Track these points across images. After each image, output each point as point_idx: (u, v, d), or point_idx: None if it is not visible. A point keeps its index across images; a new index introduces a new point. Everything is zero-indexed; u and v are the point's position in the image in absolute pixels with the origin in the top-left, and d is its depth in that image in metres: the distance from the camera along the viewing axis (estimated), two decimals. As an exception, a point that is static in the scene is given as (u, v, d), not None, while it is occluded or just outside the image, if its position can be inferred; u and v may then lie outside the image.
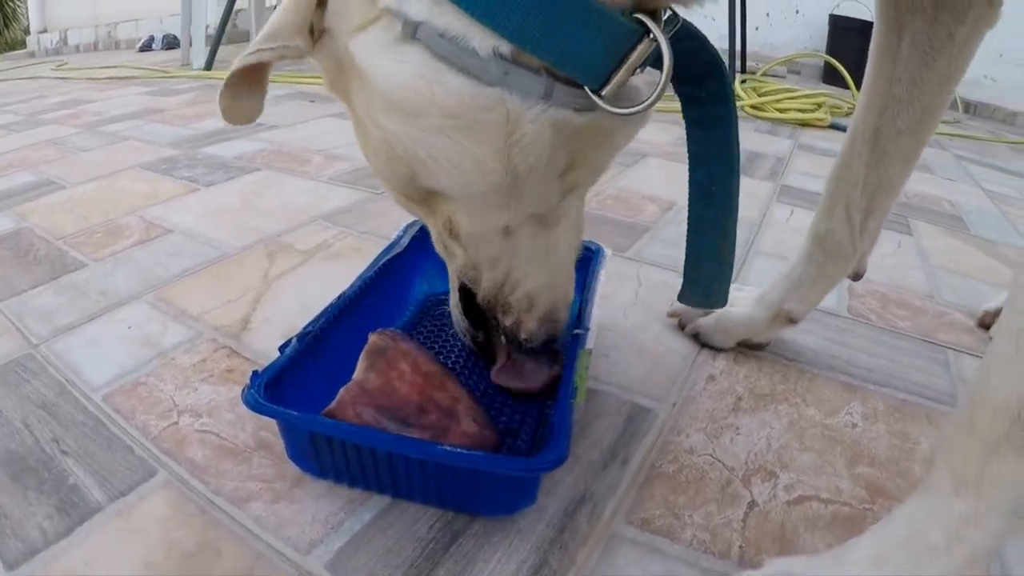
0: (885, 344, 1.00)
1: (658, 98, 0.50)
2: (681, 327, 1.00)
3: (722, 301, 0.74)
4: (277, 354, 0.70)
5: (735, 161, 0.65)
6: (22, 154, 1.81)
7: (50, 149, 1.85)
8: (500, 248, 0.63)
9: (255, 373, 0.65)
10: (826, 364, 0.94)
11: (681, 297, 0.75)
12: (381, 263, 0.89)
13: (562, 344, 0.74)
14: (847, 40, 3.75)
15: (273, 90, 2.55)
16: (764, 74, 3.50)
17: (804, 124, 2.56)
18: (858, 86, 3.01)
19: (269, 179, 1.62)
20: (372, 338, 0.69)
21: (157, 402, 0.80)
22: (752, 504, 0.69)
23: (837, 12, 3.93)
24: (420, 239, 0.95)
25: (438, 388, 0.67)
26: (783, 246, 1.35)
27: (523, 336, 0.71)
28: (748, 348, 0.96)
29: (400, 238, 0.95)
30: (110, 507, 0.65)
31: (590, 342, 0.74)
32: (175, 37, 4.24)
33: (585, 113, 0.51)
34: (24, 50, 5.96)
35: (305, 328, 0.74)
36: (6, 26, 7.69)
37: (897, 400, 0.86)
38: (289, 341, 0.71)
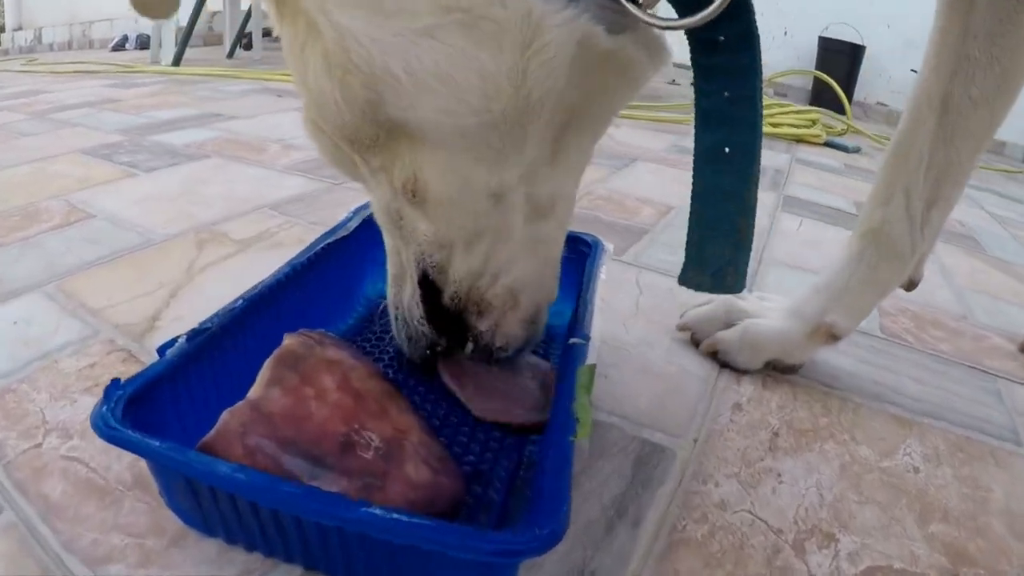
0: (929, 369, 0.87)
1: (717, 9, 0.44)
2: (696, 343, 0.83)
3: (738, 287, 0.60)
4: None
5: (758, 120, 0.53)
6: (-40, 139, 1.68)
7: (-10, 135, 1.73)
8: (484, 221, 0.49)
9: (114, 383, 0.46)
10: (869, 392, 0.79)
11: (683, 278, 0.62)
12: (318, 248, 0.70)
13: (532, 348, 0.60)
14: (836, 63, 3.74)
15: (239, 85, 2.47)
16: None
17: (799, 140, 2.49)
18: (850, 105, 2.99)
19: (217, 167, 1.48)
20: (287, 341, 0.50)
21: (24, 416, 0.63)
22: (810, 581, 0.52)
23: (826, 35, 3.91)
24: (374, 223, 0.75)
25: (375, 415, 0.47)
26: (798, 257, 1.22)
27: (499, 343, 0.56)
28: (777, 371, 0.80)
29: (348, 220, 0.76)
30: (-68, 556, 0.48)
31: (592, 356, 0.55)
32: (149, 37, 4.22)
33: (615, 36, 0.43)
34: (-2, 48, 5.94)
35: (202, 324, 0.54)
36: None
37: (957, 437, 0.73)
38: (173, 340, 0.52)
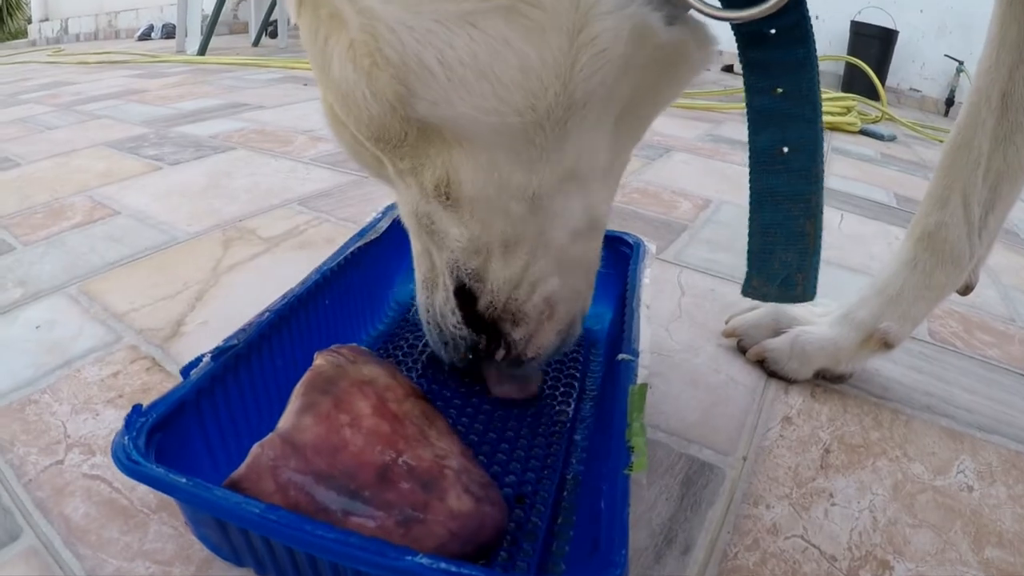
0: (979, 377, 0.82)
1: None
2: (742, 350, 0.79)
3: (810, 294, 0.56)
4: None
5: (817, 116, 0.49)
6: (-14, 133, 1.68)
7: (17, 127, 1.73)
8: (522, 226, 0.45)
9: (136, 410, 0.43)
10: (921, 403, 0.75)
11: (746, 288, 0.57)
12: (347, 252, 0.67)
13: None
14: (868, 48, 3.67)
15: (265, 74, 2.45)
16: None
17: (833, 128, 2.42)
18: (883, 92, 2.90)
19: (243, 159, 1.46)
20: (317, 360, 0.47)
21: (45, 430, 0.61)
22: (867, 614, 0.48)
23: (858, 19, 3.83)
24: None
25: (414, 440, 0.44)
26: (843, 254, 1.17)
27: (531, 353, 0.53)
28: (827, 380, 0.76)
29: (377, 221, 0.73)
30: (-46, 580, 0.47)
31: (642, 374, 0.52)
32: (174, 26, 4.23)
33: (672, 27, 0.39)
34: (25, 39, 5.98)
35: (227, 341, 0.51)
36: (10, 15, 7.76)
37: (1010, 452, 0.69)
38: (199, 359, 0.49)
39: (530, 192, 0.43)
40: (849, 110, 2.53)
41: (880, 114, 2.70)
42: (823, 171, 0.51)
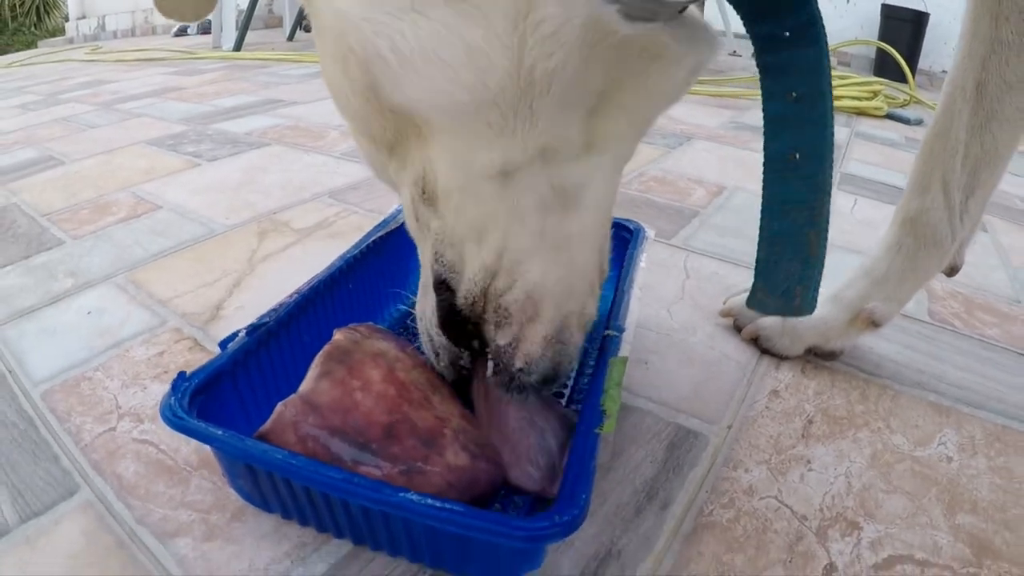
0: (975, 356, 0.84)
1: None
2: (738, 329, 0.84)
3: (808, 308, 0.57)
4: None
5: (828, 122, 0.49)
6: (30, 131, 1.76)
7: (59, 126, 1.81)
8: (492, 206, 0.44)
9: (181, 376, 0.50)
10: (911, 380, 0.78)
11: (752, 301, 0.60)
12: (369, 241, 0.73)
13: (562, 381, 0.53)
14: (899, 31, 3.59)
15: (300, 69, 2.50)
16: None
17: (860, 112, 2.39)
18: (913, 76, 2.87)
19: (277, 154, 1.52)
20: (336, 336, 0.53)
21: (98, 402, 0.68)
22: (830, 568, 0.53)
23: (889, 2, 3.75)
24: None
25: (418, 404, 0.50)
26: (850, 237, 1.19)
27: (519, 364, 0.49)
28: (818, 357, 0.80)
29: (398, 212, 0.79)
30: (19, 530, 0.54)
31: (625, 348, 0.57)
32: (210, 21, 4.29)
33: (634, 21, 0.38)
34: (63, 36, 6.05)
35: (260, 319, 0.58)
36: (47, 13, 7.87)
37: (996, 427, 0.71)
38: (234, 334, 0.56)
39: (495, 167, 0.42)
40: (876, 94, 2.51)
41: (908, 98, 2.68)
42: (831, 180, 0.51)
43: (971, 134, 0.67)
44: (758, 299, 0.59)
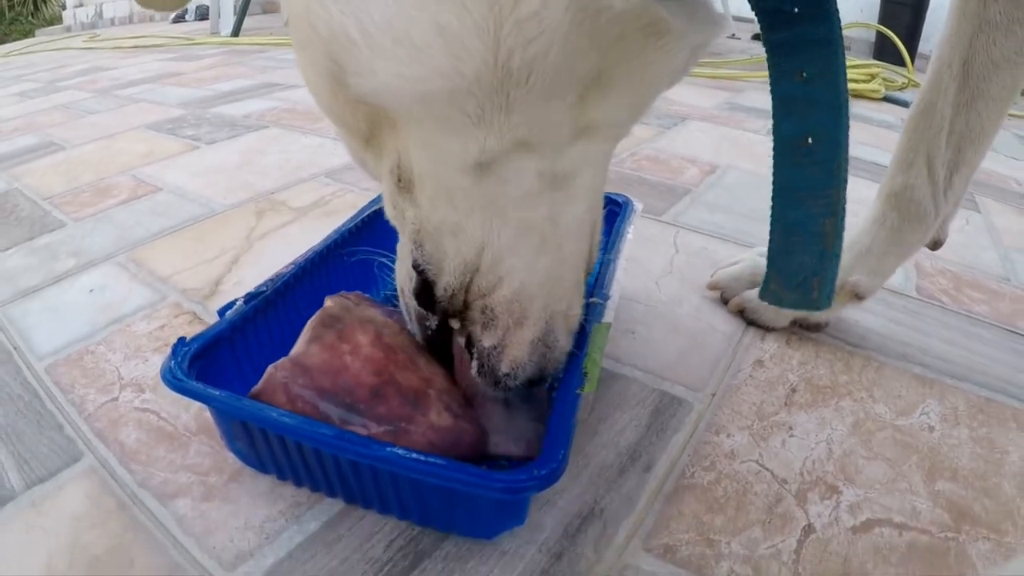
0: (961, 331, 0.85)
1: None
2: (724, 301, 0.85)
3: (825, 302, 0.54)
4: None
5: (842, 103, 0.47)
6: (30, 118, 1.78)
7: (59, 113, 1.82)
8: (469, 198, 0.41)
9: (180, 341, 0.52)
10: (896, 352, 0.79)
11: (765, 294, 0.57)
12: (364, 215, 0.75)
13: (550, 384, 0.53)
14: (899, 16, 3.56)
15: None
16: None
17: (856, 95, 2.38)
18: (913, 60, 2.86)
19: (275, 137, 1.53)
20: (327, 303, 0.55)
21: (101, 374, 0.70)
22: (808, 529, 0.54)
23: (889, -14, 3.74)
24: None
25: (404, 367, 0.52)
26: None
27: (506, 368, 0.47)
28: (804, 329, 0.81)
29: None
30: (24, 496, 0.56)
31: (609, 314, 0.58)
32: (208, 8, 4.28)
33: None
34: (60, 25, 6.03)
35: (258, 287, 0.60)
36: (44, 2, 7.82)
37: (979, 398, 0.72)
38: (232, 303, 0.58)
39: (471, 159, 0.40)
40: (873, 77, 2.52)
41: (906, 81, 2.68)
42: (847, 164, 0.49)
43: (956, 111, 0.68)
44: (772, 291, 0.56)
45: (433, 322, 0.50)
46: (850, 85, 1.82)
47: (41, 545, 0.51)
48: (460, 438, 0.49)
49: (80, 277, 0.90)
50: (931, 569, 0.51)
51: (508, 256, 0.43)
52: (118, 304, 0.83)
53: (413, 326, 0.54)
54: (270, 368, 0.49)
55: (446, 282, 0.45)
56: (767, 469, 0.60)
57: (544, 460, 0.43)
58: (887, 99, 2.40)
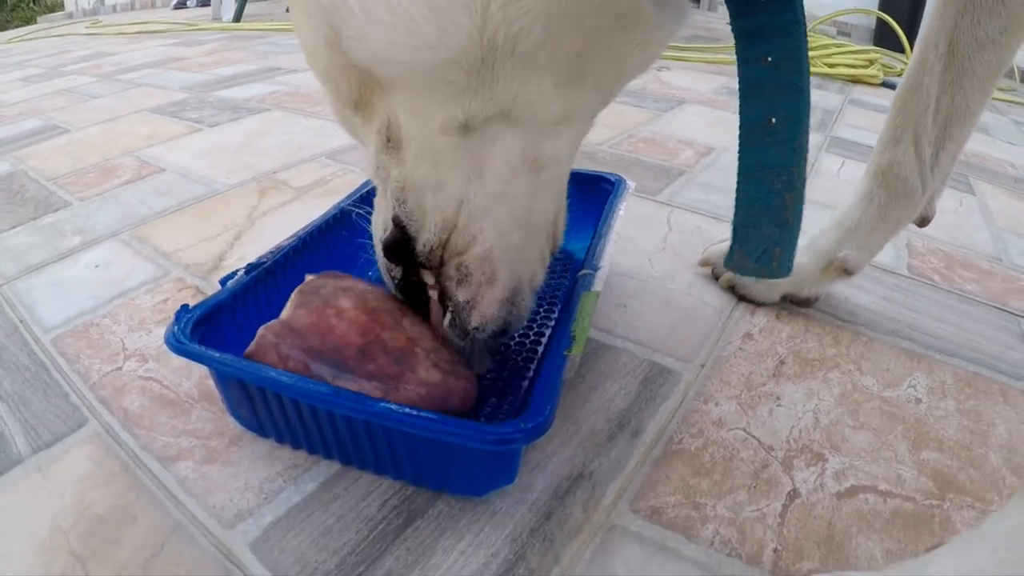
0: (952, 308, 0.87)
1: None
2: (715, 277, 0.87)
3: (784, 270, 0.57)
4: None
5: (804, 86, 0.49)
6: (34, 103, 1.78)
7: (63, 97, 1.83)
8: (452, 159, 0.45)
9: (184, 308, 0.54)
10: (885, 327, 0.80)
11: (729, 261, 0.61)
12: (363, 192, 0.76)
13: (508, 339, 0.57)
14: (898, 2, 3.55)
15: (297, 38, 2.50)
16: (812, 31, 3.32)
17: (855, 80, 2.39)
18: (912, 46, 2.85)
19: (276, 119, 1.54)
20: (307, 278, 0.57)
21: (106, 345, 0.72)
22: (793, 494, 0.56)
23: (890, -29, 3.72)
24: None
25: (389, 327, 0.53)
26: (833, 195, 1.21)
27: (475, 322, 0.51)
28: (793, 304, 0.82)
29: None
30: (31, 460, 0.58)
31: (599, 283, 0.60)
32: None
33: None
34: (62, 12, 6.00)
35: (259, 259, 0.62)
36: None
37: (967, 373, 0.73)
38: (234, 273, 0.60)
39: (456, 124, 0.42)
40: (872, 62, 2.52)
41: (905, 67, 2.68)
42: (807, 143, 0.51)
43: (942, 89, 0.69)
44: (736, 261, 0.60)
45: (398, 273, 0.53)
46: (848, 71, 1.85)
47: (47, 506, 0.53)
48: (450, 393, 0.51)
49: (85, 254, 0.92)
50: (915, 534, 0.52)
51: (483, 216, 0.46)
52: (122, 279, 0.85)
53: (386, 279, 0.56)
54: (261, 330, 0.50)
55: (426, 238, 0.48)
56: (754, 437, 0.61)
57: (532, 414, 0.45)
58: (885, 84, 2.40)
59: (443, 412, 0.47)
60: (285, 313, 0.53)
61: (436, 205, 0.47)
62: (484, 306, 0.50)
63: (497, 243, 0.48)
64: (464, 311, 0.51)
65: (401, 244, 0.50)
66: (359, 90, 0.45)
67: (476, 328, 0.51)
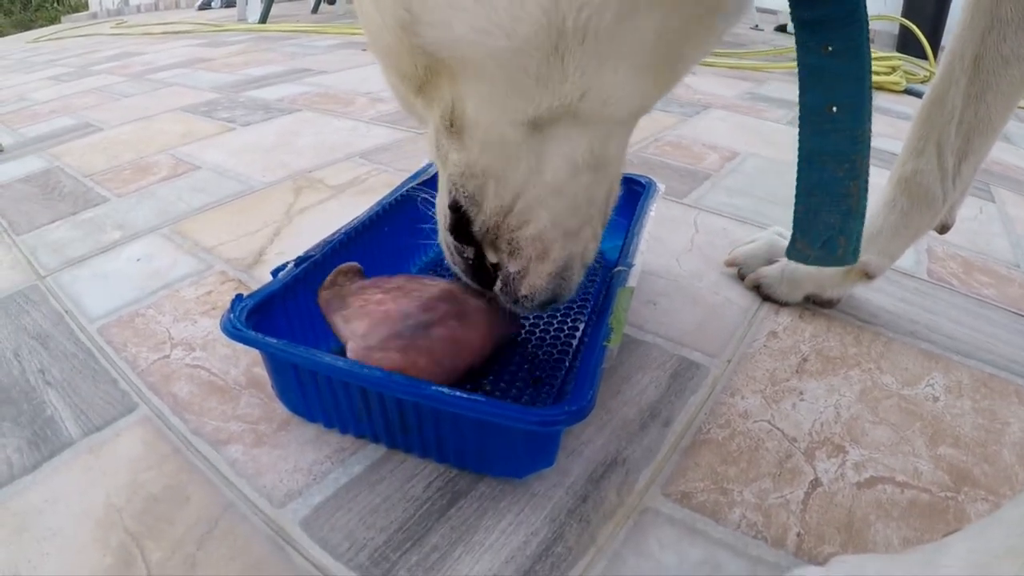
0: (969, 312, 0.88)
1: None
2: (741, 277, 0.89)
3: (851, 258, 0.58)
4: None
5: (865, 75, 0.50)
6: (66, 101, 1.82)
7: (94, 96, 1.87)
8: (517, 152, 0.45)
9: (238, 297, 0.57)
10: (904, 329, 0.82)
11: (791, 252, 0.61)
12: (404, 189, 0.79)
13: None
14: (923, 5, 3.53)
15: (325, 40, 2.53)
16: (838, 37, 3.32)
17: (877, 87, 2.39)
18: (935, 53, 2.85)
19: (308, 119, 1.57)
20: (319, 300, 0.61)
21: (152, 335, 0.75)
22: (815, 483, 0.58)
23: (913, -23, 3.71)
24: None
25: (417, 286, 0.59)
26: None
27: (524, 291, 0.53)
28: (816, 304, 0.84)
29: (429, 165, 0.85)
30: (82, 442, 0.60)
31: (633, 280, 0.63)
32: None
33: None
34: (86, 12, 6.05)
35: (308, 252, 0.65)
36: None
37: (984, 374, 0.74)
38: (284, 265, 0.63)
39: (525, 118, 0.43)
40: (894, 69, 2.52)
41: (928, 74, 2.67)
42: (870, 131, 0.52)
43: (966, 103, 0.70)
44: (798, 250, 0.60)
45: (470, 252, 0.54)
46: (872, 77, 1.83)
47: (100, 484, 0.55)
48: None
49: (126, 247, 0.95)
50: (931, 524, 0.54)
51: (537, 207, 0.48)
52: (165, 272, 0.87)
53: (452, 259, 0.57)
54: (349, 353, 0.54)
55: (482, 220, 0.50)
56: (778, 428, 0.63)
57: (574, 398, 0.47)
58: (908, 91, 2.40)
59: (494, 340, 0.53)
60: (345, 334, 0.56)
61: (495, 192, 0.48)
62: (533, 277, 0.52)
63: (550, 227, 0.49)
64: (514, 280, 0.52)
65: (459, 226, 0.52)
66: (425, 72, 0.45)
67: (525, 296, 0.53)
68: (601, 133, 0.45)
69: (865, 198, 0.55)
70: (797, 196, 0.58)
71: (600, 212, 0.53)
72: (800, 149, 0.56)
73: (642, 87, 0.43)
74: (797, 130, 0.55)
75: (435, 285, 0.60)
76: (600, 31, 0.38)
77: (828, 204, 0.56)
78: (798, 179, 0.57)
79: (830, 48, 0.50)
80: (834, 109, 0.52)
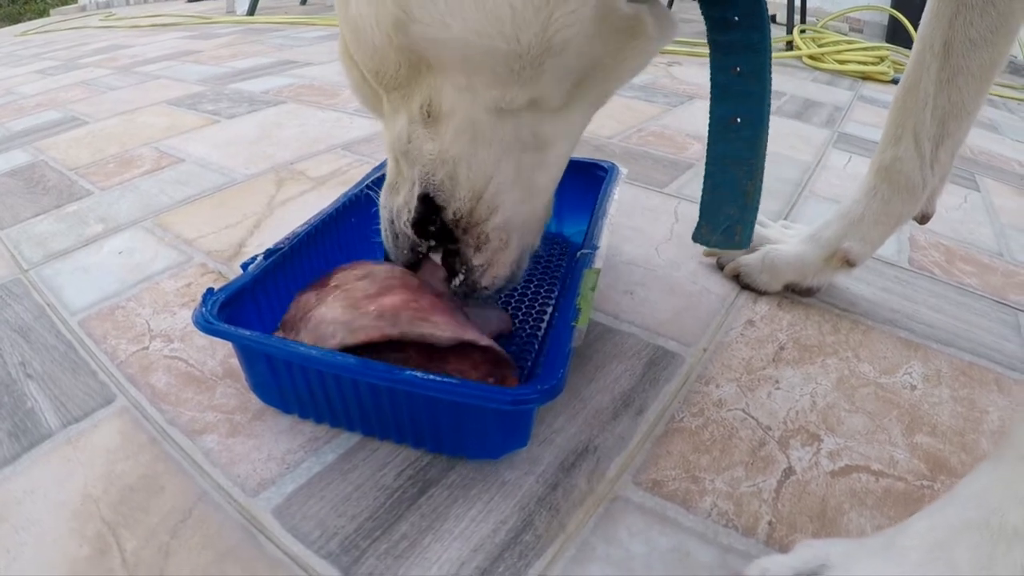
0: (950, 300, 0.89)
1: None
2: (720, 267, 0.89)
3: (744, 243, 0.68)
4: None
5: (766, 94, 0.60)
6: (52, 95, 1.81)
7: (80, 89, 1.85)
8: (487, 135, 0.49)
9: (209, 291, 0.57)
10: (883, 317, 0.82)
11: (697, 236, 0.70)
12: (370, 180, 0.80)
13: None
14: None
15: (312, 32, 2.52)
16: (824, 27, 3.32)
17: (865, 77, 2.41)
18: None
19: (292, 111, 1.57)
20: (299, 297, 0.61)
21: (131, 327, 0.75)
22: (788, 471, 0.58)
23: (902, -33, 3.72)
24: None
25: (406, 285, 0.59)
26: (838, 190, 1.23)
27: (486, 282, 0.57)
28: (795, 293, 0.85)
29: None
30: (61, 434, 0.60)
31: (599, 262, 0.64)
32: None
33: (632, 3, 0.45)
34: (75, 4, 6.02)
35: (276, 244, 0.65)
36: None
37: (963, 362, 0.75)
38: (254, 258, 0.63)
39: (496, 103, 0.47)
40: (882, 60, 2.52)
41: (917, 63, 2.67)
42: (766, 141, 0.62)
43: (939, 88, 0.72)
44: (702, 234, 0.70)
45: (425, 247, 0.58)
46: (858, 67, 1.86)
47: (78, 475, 0.56)
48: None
49: (108, 240, 0.95)
50: (906, 512, 0.54)
51: (504, 191, 0.52)
52: (146, 264, 0.88)
53: (400, 254, 0.60)
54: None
55: (455, 207, 0.53)
56: (752, 417, 0.64)
57: (545, 377, 0.49)
58: (895, 81, 2.40)
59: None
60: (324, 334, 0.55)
61: (468, 177, 0.51)
62: (496, 268, 0.56)
63: (511, 216, 0.54)
64: (477, 272, 0.56)
65: (426, 219, 0.55)
66: (407, 68, 0.48)
67: (485, 287, 0.57)
68: (549, 119, 0.50)
69: (758, 195, 0.65)
70: (704, 191, 0.69)
71: (547, 205, 0.58)
72: (708, 153, 0.66)
73: (580, 93, 0.49)
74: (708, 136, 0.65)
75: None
76: (571, 47, 0.44)
77: (729, 199, 0.67)
78: (706, 177, 0.67)
79: (738, 69, 0.60)
80: (738, 120, 0.62)
